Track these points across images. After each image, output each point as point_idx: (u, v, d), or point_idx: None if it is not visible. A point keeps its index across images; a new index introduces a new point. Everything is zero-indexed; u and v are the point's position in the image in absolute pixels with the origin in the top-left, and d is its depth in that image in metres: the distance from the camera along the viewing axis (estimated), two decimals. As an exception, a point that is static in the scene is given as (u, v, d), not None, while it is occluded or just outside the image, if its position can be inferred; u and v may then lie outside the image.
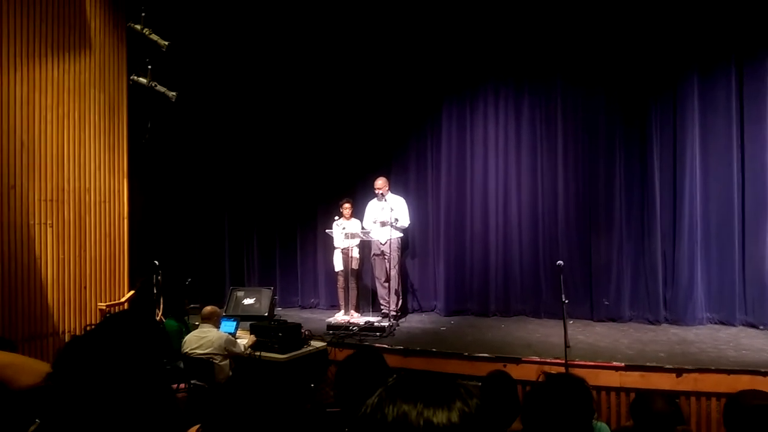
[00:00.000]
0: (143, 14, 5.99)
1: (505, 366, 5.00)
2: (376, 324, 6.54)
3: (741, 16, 6.46)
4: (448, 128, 7.84)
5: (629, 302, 6.92)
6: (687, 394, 4.78)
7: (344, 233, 7.15)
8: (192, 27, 7.85)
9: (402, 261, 7.52)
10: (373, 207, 7.30)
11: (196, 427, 1.70)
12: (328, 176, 8.32)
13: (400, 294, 7.37)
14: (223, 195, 8.96)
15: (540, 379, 2.15)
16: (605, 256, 7.04)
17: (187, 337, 5.25)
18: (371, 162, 7.92)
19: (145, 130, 6.44)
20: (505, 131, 7.60)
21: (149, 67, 6.03)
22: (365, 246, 7.37)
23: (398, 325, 6.84)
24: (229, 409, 1.55)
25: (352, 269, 7.24)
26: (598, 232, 7.11)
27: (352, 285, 7.29)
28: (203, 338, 5.12)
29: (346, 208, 7.32)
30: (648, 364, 5.01)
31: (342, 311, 7.38)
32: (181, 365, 5.17)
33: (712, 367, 4.86)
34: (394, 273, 7.05)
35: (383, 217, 7.03)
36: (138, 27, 6.01)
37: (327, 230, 7.32)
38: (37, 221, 5.77)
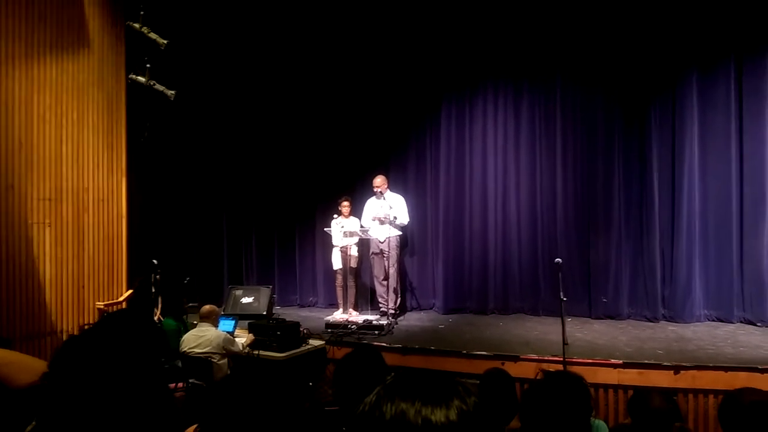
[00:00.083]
0: (142, 13, 5.96)
1: (503, 364, 5.00)
2: (374, 322, 6.54)
3: (740, 13, 6.46)
4: (447, 126, 7.84)
5: (627, 300, 6.93)
6: (685, 391, 4.79)
7: (343, 231, 7.15)
8: (191, 25, 7.84)
9: (401, 259, 7.51)
10: (371, 205, 7.30)
11: (194, 426, 1.70)
12: (327, 174, 8.30)
13: (399, 292, 7.36)
14: (221, 193, 8.94)
15: (538, 377, 2.15)
16: (604, 254, 7.04)
17: (186, 336, 5.24)
18: (370, 160, 7.91)
19: (144, 129, 6.42)
20: (504, 130, 7.60)
21: (148, 65, 6.00)
22: (364, 244, 7.36)
23: (397, 324, 6.84)
24: (227, 408, 1.54)
25: (350, 267, 7.23)
26: (596, 230, 7.11)
27: (351, 283, 7.29)
28: (201, 337, 5.12)
29: (345, 207, 7.31)
30: (646, 361, 5.03)
31: (340, 310, 7.38)
32: (179, 364, 5.16)
33: (710, 364, 4.88)
34: (392, 271, 7.03)
35: (382, 214, 7.02)
36: (136, 25, 5.99)
37: (325, 228, 7.31)
38: (35, 220, 5.77)
